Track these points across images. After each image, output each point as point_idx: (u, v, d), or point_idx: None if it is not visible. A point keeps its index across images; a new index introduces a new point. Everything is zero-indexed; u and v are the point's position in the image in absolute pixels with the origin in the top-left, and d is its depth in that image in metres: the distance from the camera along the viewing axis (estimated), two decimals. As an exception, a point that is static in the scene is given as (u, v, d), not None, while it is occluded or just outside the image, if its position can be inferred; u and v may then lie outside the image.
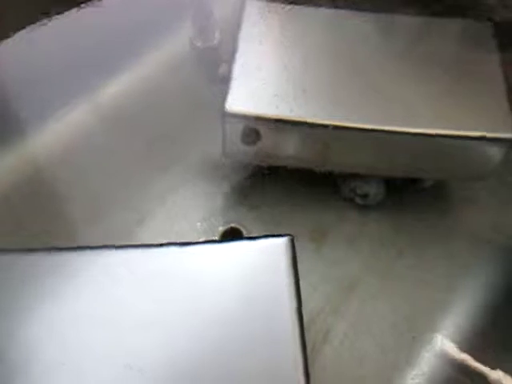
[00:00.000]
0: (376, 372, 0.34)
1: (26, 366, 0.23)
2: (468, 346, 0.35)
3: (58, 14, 0.39)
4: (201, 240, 0.38)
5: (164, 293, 0.26)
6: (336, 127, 0.34)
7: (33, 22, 0.37)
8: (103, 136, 0.44)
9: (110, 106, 0.46)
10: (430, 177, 0.40)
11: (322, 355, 0.34)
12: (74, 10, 0.42)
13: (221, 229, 0.39)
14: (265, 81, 0.35)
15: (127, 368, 0.23)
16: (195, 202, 0.41)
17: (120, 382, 0.23)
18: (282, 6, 0.40)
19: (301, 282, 0.26)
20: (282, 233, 0.28)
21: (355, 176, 0.39)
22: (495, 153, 0.35)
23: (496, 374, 0.32)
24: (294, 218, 0.40)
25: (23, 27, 0.37)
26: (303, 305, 0.25)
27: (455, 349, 0.34)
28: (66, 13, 0.41)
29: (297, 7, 0.40)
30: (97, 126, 0.45)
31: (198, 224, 0.40)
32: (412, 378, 0.34)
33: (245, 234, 0.39)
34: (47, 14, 0.39)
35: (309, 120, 0.34)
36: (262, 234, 0.28)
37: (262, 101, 0.34)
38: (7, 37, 0.36)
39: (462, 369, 0.34)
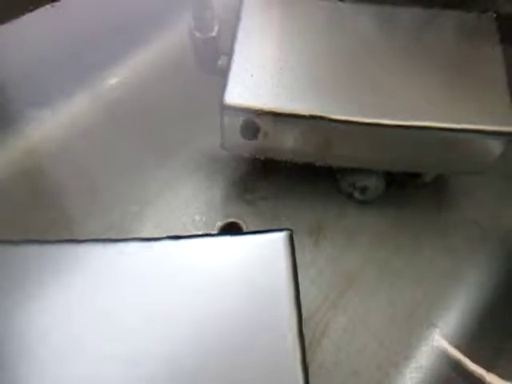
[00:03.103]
0: (374, 366, 0.34)
1: (27, 359, 0.23)
2: (466, 341, 0.35)
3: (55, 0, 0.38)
4: (199, 234, 0.38)
5: (162, 286, 0.26)
6: (336, 121, 0.34)
7: (31, 9, 0.37)
8: (102, 128, 0.44)
9: (109, 98, 0.46)
10: (430, 171, 0.40)
11: (320, 349, 0.34)
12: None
13: (219, 223, 0.38)
14: (264, 73, 0.35)
15: (129, 362, 0.23)
16: (194, 196, 0.41)
17: (122, 375, 0.23)
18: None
19: (299, 277, 0.26)
20: (281, 227, 0.27)
21: (355, 170, 0.39)
22: (496, 146, 0.35)
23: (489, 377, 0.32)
24: (292, 213, 0.40)
25: (20, 15, 0.36)
26: (302, 299, 0.25)
27: (451, 348, 0.34)
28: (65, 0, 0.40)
29: (297, -1, 0.40)
30: (95, 118, 0.44)
31: (197, 218, 0.40)
32: (410, 372, 0.34)
33: (244, 228, 0.39)
34: (45, 2, 0.38)
35: (308, 113, 0.34)
36: (260, 228, 0.28)
37: (262, 93, 0.34)
38: (3, 22, 0.35)
39: (458, 366, 0.34)
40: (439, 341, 0.35)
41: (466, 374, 0.34)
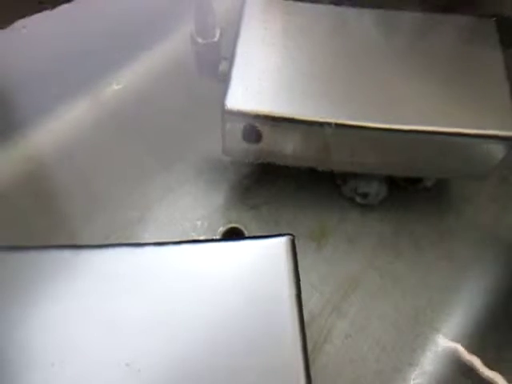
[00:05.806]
0: (377, 372, 0.34)
1: (24, 365, 0.23)
2: (468, 346, 0.35)
3: (57, 4, 0.38)
4: (201, 239, 0.38)
5: (163, 291, 0.25)
6: (337, 125, 0.34)
7: (31, 13, 0.37)
8: (103, 133, 0.44)
9: (110, 103, 0.46)
10: (432, 175, 0.40)
11: (322, 354, 0.34)
12: (74, 2, 0.41)
13: (221, 229, 0.38)
14: (266, 78, 0.35)
15: (127, 367, 0.23)
16: (195, 201, 0.41)
17: (119, 381, 0.23)
18: (283, 2, 0.40)
19: (301, 282, 0.26)
20: (283, 232, 0.27)
21: (356, 175, 0.39)
22: (497, 151, 0.35)
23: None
24: (294, 218, 0.40)
25: (21, 17, 0.36)
26: (304, 304, 0.25)
27: (461, 349, 0.34)
28: (66, 5, 0.40)
29: (298, 3, 0.40)
30: (97, 123, 0.44)
31: (199, 223, 0.39)
32: (413, 378, 0.34)
33: (245, 233, 0.39)
34: (46, 5, 0.39)
35: (310, 118, 0.34)
36: (262, 233, 0.28)
37: (263, 98, 0.34)
38: (3, 27, 0.35)
39: (464, 369, 0.34)
40: (443, 346, 0.35)
41: (471, 380, 0.33)
